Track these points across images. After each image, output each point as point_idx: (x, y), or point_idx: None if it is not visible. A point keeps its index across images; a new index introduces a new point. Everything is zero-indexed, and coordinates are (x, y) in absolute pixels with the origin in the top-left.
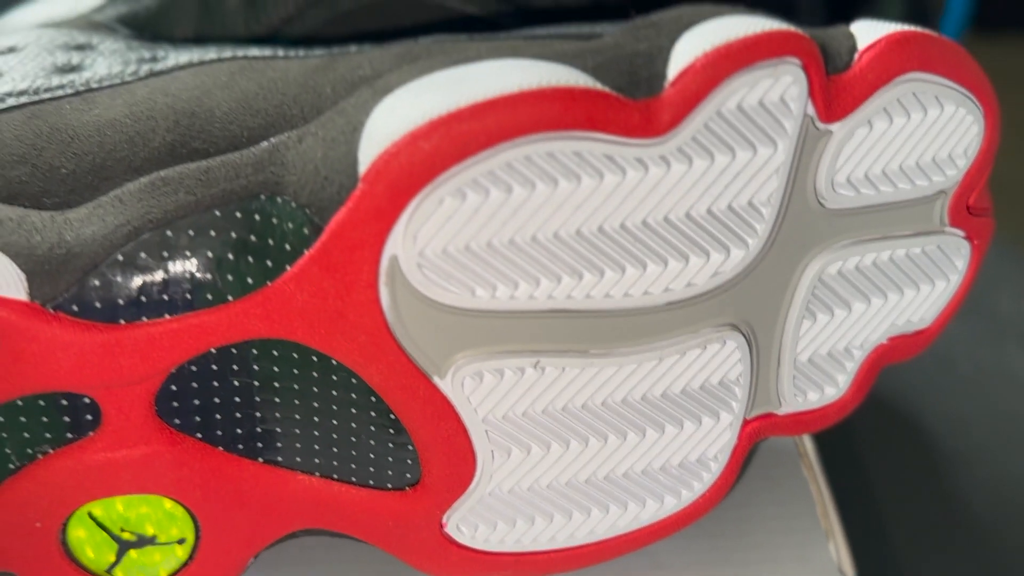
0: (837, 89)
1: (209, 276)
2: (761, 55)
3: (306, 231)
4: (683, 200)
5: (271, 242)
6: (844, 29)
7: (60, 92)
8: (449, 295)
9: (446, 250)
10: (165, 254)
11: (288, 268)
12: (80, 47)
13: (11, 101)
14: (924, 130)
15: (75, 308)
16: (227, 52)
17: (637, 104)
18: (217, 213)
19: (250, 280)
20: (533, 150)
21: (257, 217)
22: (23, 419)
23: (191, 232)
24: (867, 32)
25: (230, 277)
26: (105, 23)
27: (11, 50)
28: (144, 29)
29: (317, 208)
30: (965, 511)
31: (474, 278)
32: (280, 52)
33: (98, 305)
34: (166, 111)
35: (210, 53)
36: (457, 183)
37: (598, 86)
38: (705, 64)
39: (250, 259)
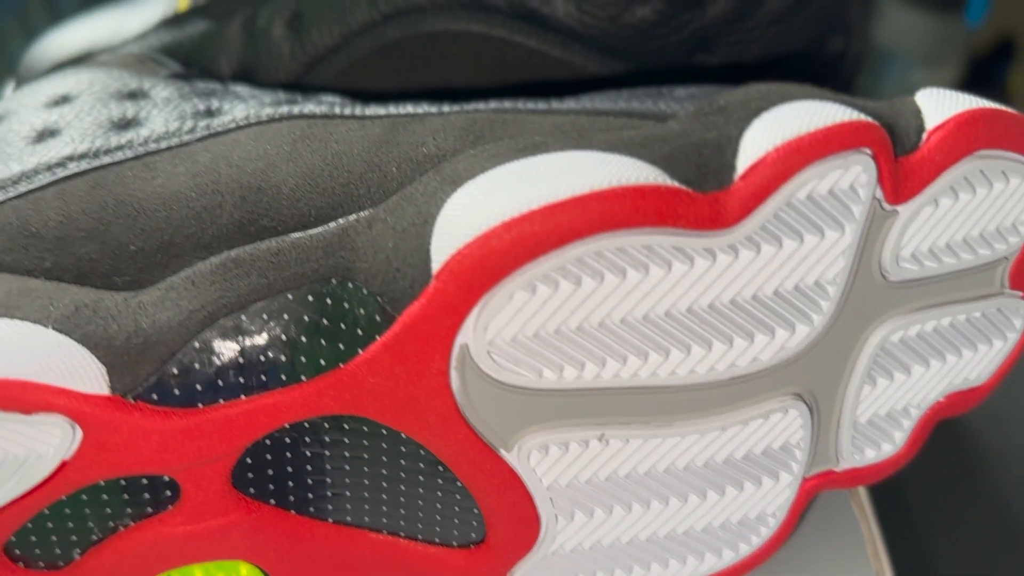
0: (905, 171)
1: (283, 358)
2: (832, 148)
3: (378, 318)
4: (750, 284)
5: (343, 326)
6: (912, 105)
7: (120, 155)
8: (517, 377)
9: (515, 338)
10: (240, 338)
11: (360, 352)
12: (133, 95)
13: (72, 167)
14: (989, 203)
15: (155, 397)
16: (283, 107)
17: (707, 197)
18: (290, 296)
19: (323, 362)
20: (603, 246)
21: (329, 301)
22: (105, 497)
23: (265, 316)
24: (934, 108)
25: (303, 359)
26: (151, 56)
27: (65, 100)
28: (190, 59)
29: (389, 298)
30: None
31: (542, 361)
32: (338, 108)
33: (177, 392)
34: (232, 185)
35: (266, 107)
36: (528, 278)
37: (668, 182)
38: (776, 159)
39: (323, 342)
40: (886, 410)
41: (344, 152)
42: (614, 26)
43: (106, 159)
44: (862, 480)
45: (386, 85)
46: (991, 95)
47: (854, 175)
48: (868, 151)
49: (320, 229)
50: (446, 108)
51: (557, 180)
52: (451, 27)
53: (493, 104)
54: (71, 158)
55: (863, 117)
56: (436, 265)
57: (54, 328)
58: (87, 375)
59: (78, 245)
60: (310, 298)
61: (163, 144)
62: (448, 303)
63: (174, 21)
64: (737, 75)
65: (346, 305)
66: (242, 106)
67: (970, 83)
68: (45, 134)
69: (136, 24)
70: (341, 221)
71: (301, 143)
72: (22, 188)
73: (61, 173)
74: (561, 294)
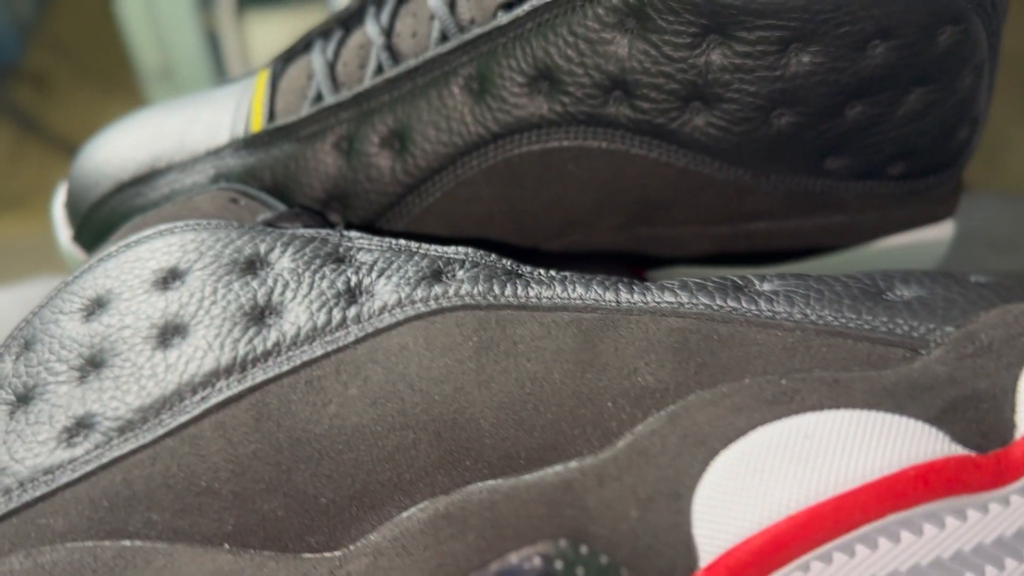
0: None
1: None
2: None
3: None
4: (1014, 524)
5: None
6: None
7: (274, 368)
8: None
9: None
10: None
11: None
12: (252, 265)
13: (222, 386)
14: None
15: None
16: (435, 286)
17: (989, 460)
18: (513, 560)
19: None
20: (888, 521)
21: (559, 565)
22: None
23: None
24: None
25: None
26: (240, 189)
27: (175, 276)
28: (277, 183)
29: (640, 572)
30: None
31: None
32: (497, 287)
33: None
34: (422, 419)
35: (410, 281)
36: (806, 559)
37: (952, 448)
38: None
39: None
40: None
41: (542, 376)
42: (748, 139)
43: (258, 374)
44: None
45: (496, 204)
46: None
47: None
48: None
49: (534, 477)
50: (631, 295)
51: (839, 462)
52: (565, 143)
53: (686, 297)
54: (216, 374)
55: None
56: (705, 555)
57: None
58: None
59: (260, 500)
60: (537, 561)
61: (317, 349)
62: None
63: (253, 142)
64: (861, 172)
65: (580, 571)
66: (384, 283)
67: None
68: (170, 333)
69: (200, 133)
70: (559, 469)
71: (485, 356)
72: (170, 421)
73: (213, 398)
74: (835, 566)
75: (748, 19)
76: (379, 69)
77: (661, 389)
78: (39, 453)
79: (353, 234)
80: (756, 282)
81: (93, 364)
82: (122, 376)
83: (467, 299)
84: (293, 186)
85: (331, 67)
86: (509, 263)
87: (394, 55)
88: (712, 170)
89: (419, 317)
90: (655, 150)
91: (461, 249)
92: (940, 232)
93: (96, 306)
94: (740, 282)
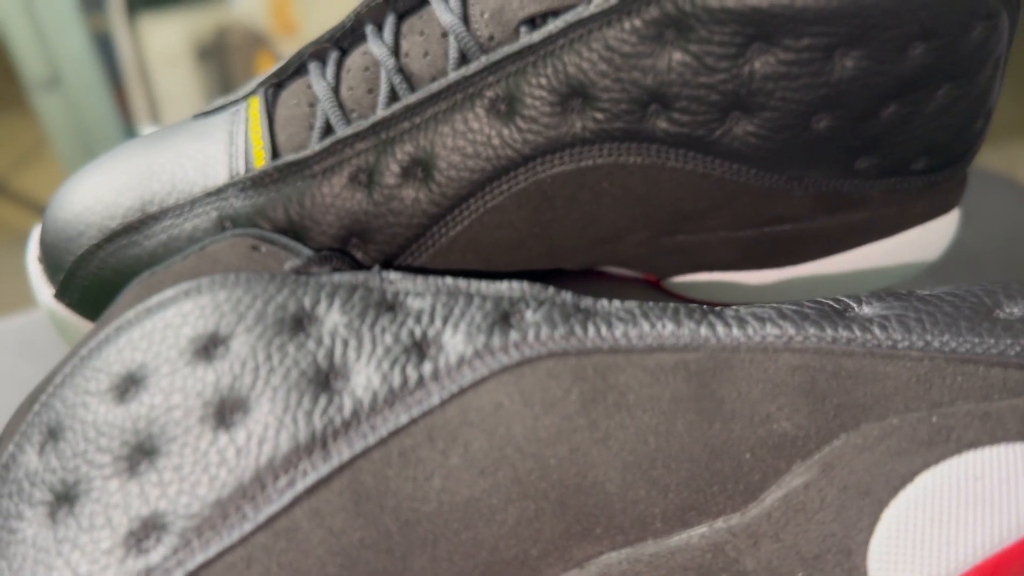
0: None
1: None
2: None
3: None
4: None
5: None
6: None
7: (362, 443)
8: None
9: None
10: None
11: None
12: (299, 323)
13: (306, 467)
14: None
15: None
16: (512, 332)
17: None
18: None
19: None
20: None
21: None
22: None
23: None
24: None
25: None
26: (258, 235)
27: (216, 343)
28: (291, 222)
29: None
30: None
31: None
32: (578, 326)
33: None
34: (540, 485)
35: (475, 325)
36: None
37: None
38: None
39: None
40: None
41: (665, 430)
42: (786, 145)
43: (343, 449)
44: None
45: (526, 228)
46: None
47: None
48: None
49: (678, 542)
50: (728, 328)
51: (1016, 502)
52: (599, 161)
53: (791, 329)
54: (297, 454)
55: None
56: None
57: None
58: None
59: None
60: None
61: (401, 415)
62: None
63: (260, 180)
64: (888, 170)
65: None
66: (451, 333)
67: None
68: (228, 410)
69: (192, 171)
70: (705, 531)
71: (594, 410)
72: (255, 514)
73: (301, 483)
74: None
75: (797, 26)
76: (392, 93)
77: (802, 436)
78: (107, 566)
79: (393, 275)
80: (855, 306)
81: (143, 452)
82: (184, 465)
83: (550, 345)
84: (310, 225)
85: (335, 93)
86: (570, 296)
87: (407, 78)
88: (748, 178)
89: (505, 370)
90: (691, 162)
91: (515, 285)
92: (949, 220)
93: (130, 384)
94: (838, 306)
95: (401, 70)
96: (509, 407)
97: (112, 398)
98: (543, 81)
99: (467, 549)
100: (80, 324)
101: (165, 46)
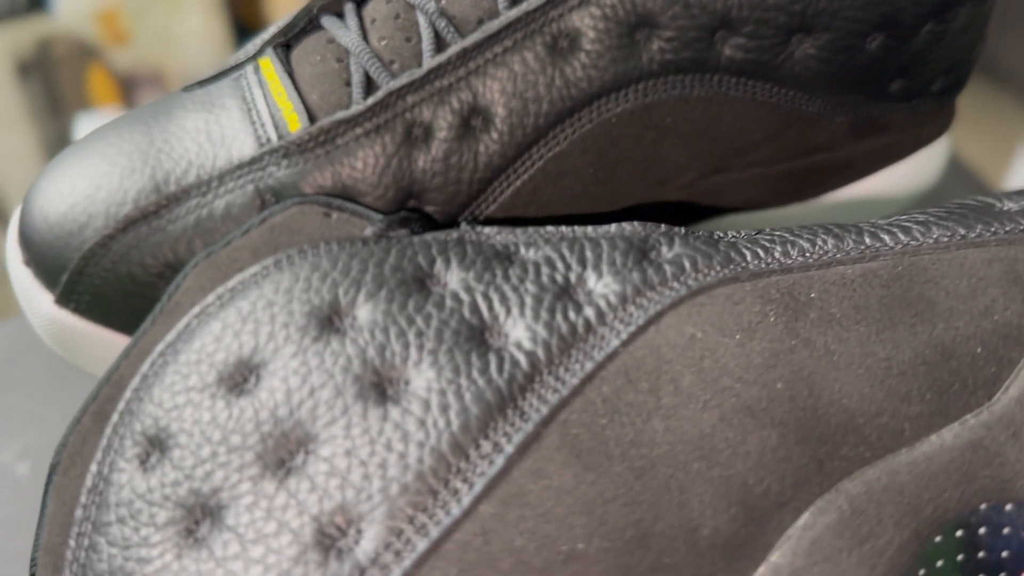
0: None
1: None
2: None
3: None
4: None
5: (1005, 555)
6: None
7: (555, 395)
8: None
9: None
10: None
11: None
12: (421, 283)
13: (507, 429)
14: None
15: None
16: (666, 266)
17: None
18: (938, 540)
19: None
20: None
21: (983, 531)
22: None
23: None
24: None
25: None
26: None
27: (339, 314)
28: (345, 187)
29: None
30: None
31: None
32: (734, 255)
33: None
34: (775, 412)
35: (647, 272)
36: None
37: None
38: None
39: None
40: None
41: (890, 337)
42: (841, 67)
43: (537, 405)
44: None
45: (589, 175)
46: None
47: None
48: None
49: (933, 447)
50: (892, 235)
51: None
52: (663, 96)
53: (961, 228)
54: (490, 415)
55: None
56: None
57: None
58: None
59: (636, 551)
60: (959, 533)
61: (586, 363)
62: None
63: (302, 146)
64: (913, 91)
65: (1006, 531)
66: (596, 276)
67: None
68: (384, 381)
69: (208, 145)
70: (957, 430)
71: (801, 327)
72: (463, 486)
73: (507, 446)
74: None
75: None
76: (437, 39)
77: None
78: (306, 575)
79: (488, 230)
80: (997, 203)
81: (293, 442)
82: (356, 447)
83: (712, 275)
84: (365, 189)
85: (366, 44)
86: (684, 231)
87: (450, 21)
88: (801, 104)
89: (680, 303)
90: (751, 90)
91: (624, 225)
92: (944, 143)
93: (245, 372)
94: (982, 205)
95: (443, 13)
96: (703, 338)
97: (226, 391)
98: (608, 12)
99: (717, 488)
100: (91, 331)
101: None
